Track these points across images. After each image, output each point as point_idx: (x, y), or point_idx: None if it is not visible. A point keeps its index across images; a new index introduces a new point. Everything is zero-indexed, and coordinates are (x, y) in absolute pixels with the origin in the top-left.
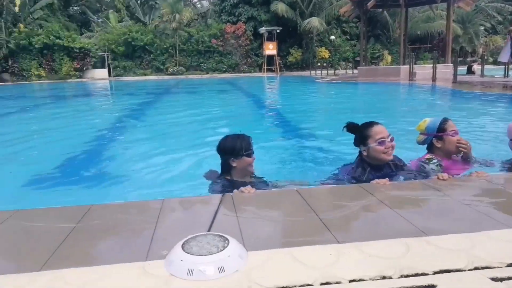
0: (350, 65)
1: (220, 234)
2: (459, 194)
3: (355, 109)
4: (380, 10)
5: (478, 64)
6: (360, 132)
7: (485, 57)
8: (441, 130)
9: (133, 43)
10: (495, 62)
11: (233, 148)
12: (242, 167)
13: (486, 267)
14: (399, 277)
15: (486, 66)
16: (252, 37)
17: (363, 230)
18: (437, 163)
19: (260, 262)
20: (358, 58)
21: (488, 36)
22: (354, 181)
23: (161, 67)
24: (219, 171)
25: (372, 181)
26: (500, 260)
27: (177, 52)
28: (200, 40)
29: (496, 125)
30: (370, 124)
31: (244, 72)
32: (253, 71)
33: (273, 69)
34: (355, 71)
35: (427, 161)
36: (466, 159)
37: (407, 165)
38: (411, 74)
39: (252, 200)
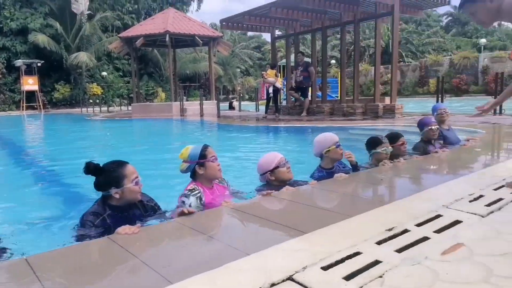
0: (125, 101)
1: None
2: (204, 227)
3: (126, 145)
4: (150, 49)
5: (237, 100)
6: (108, 173)
7: (241, 95)
8: (202, 156)
9: None
10: (250, 99)
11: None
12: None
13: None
14: None
15: (243, 102)
16: (5, 70)
17: None
18: (198, 195)
19: None
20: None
21: (243, 77)
22: (93, 230)
23: None
24: None
25: (118, 230)
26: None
27: None
28: None
29: (249, 150)
30: (122, 164)
31: None
32: (8, 109)
33: (36, 106)
34: (130, 108)
35: (189, 192)
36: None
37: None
38: (182, 110)
39: None
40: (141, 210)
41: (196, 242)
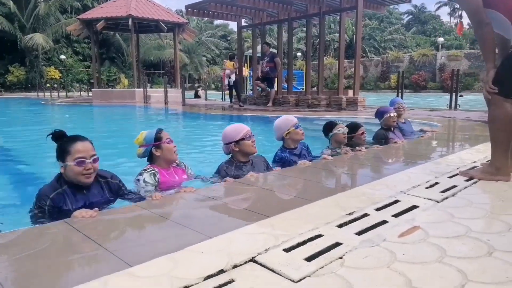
0: (85, 87)
1: None
2: (167, 212)
3: (85, 131)
4: (112, 33)
5: (203, 89)
6: (61, 145)
7: (207, 84)
8: (157, 139)
9: None
10: (216, 88)
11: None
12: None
13: (186, 287)
14: None
15: (209, 91)
16: None
17: (57, 279)
18: (152, 172)
19: None
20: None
21: (209, 66)
22: (51, 204)
23: None
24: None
25: (75, 213)
26: (199, 275)
27: None
28: None
29: (215, 138)
30: (73, 139)
31: None
32: None
33: None
34: (91, 93)
35: (143, 171)
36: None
37: (124, 185)
38: (146, 97)
39: None
40: (104, 188)
41: (156, 226)
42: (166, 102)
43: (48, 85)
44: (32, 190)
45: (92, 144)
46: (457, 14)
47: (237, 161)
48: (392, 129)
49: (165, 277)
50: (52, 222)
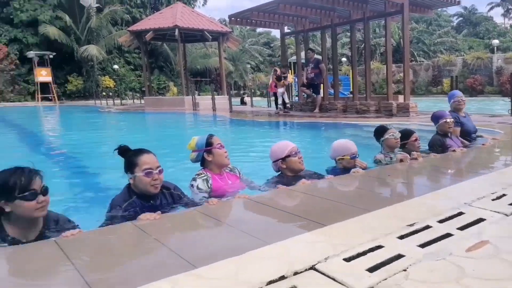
0: (138, 95)
1: None
2: (224, 217)
3: (140, 137)
4: (160, 43)
5: (248, 96)
6: (129, 158)
7: (253, 91)
8: (208, 144)
9: None
10: (262, 95)
11: (4, 187)
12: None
13: None
14: None
15: (254, 98)
16: (18, 61)
17: (130, 276)
18: (204, 177)
19: None
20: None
21: (254, 73)
22: (121, 212)
23: None
24: None
25: (140, 216)
26: (261, 279)
27: None
28: None
29: (263, 145)
30: (139, 152)
31: (12, 101)
32: (23, 100)
33: (50, 97)
34: (143, 101)
35: (196, 176)
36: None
37: (186, 195)
38: (194, 104)
39: None
40: (168, 198)
41: (217, 230)
42: (214, 109)
43: (103, 93)
44: (102, 192)
45: (156, 156)
46: (511, 14)
47: (286, 178)
48: (450, 135)
49: (229, 280)
50: (119, 223)
